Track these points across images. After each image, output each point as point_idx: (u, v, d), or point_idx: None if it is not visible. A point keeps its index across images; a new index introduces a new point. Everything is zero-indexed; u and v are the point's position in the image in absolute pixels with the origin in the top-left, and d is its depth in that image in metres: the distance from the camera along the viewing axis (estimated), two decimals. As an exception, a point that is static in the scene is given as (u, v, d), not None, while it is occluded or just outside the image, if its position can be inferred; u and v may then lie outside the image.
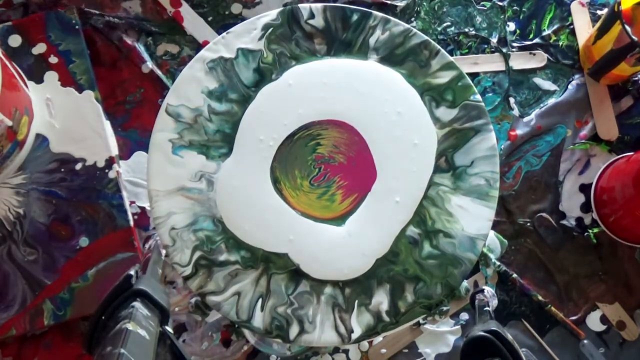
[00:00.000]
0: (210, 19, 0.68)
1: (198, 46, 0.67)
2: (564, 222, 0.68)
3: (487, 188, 0.58)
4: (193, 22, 0.67)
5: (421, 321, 0.60)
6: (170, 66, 0.67)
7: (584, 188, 0.68)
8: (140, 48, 0.67)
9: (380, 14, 0.60)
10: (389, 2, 0.67)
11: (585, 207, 0.68)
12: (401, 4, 0.67)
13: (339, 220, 0.58)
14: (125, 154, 0.65)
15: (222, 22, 0.68)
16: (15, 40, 0.64)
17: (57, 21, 0.65)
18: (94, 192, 0.62)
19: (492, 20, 0.70)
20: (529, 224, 0.67)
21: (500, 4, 0.71)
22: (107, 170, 0.62)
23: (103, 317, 0.43)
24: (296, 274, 0.56)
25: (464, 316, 0.65)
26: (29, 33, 0.64)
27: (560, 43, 0.71)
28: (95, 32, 0.67)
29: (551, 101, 0.69)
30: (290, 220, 0.57)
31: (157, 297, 0.45)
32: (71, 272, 0.60)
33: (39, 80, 0.64)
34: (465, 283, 0.60)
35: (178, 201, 0.57)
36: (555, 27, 0.71)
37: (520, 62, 0.70)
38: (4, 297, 0.59)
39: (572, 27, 0.71)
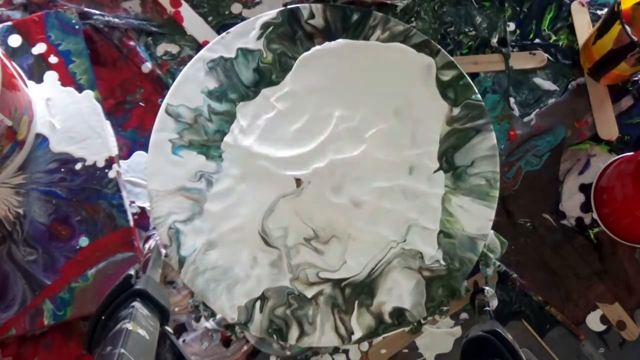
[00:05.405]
0: (210, 19, 0.68)
1: (198, 46, 0.67)
2: (564, 222, 0.68)
3: (488, 188, 0.58)
4: (193, 22, 0.67)
5: (422, 321, 0.60)
6: (170, 66, 0.67)
7: (584, 188, 0.68)
8: (140, 48, 0.67)
9: (380, 14, 0.60)
10: (389, 2, 0.67)
11: (585, 207, 0.68)
12: (401, 4, 0.67)
13: (339, 220, 0.58)
14: (125, 154, 0.65)
15: (222, 22, 0.68)
16: (15, 40, 0.64)
17: (57, 21, 0.65)
18: (94, 192, 0.62)
19: (492, 20, 0.70)
20: (529, 224, 0.67)
21: (500, 3, 0.71)
22: (107, 170, 0.62)
23: (103, 317, 0.43)
24: (296, 274, 0.56)
25: (464, 316, 0.65)
26: (29, 33, 0.64)
27: (560, 43, 0.71)
28: (95, 32, 0.67)
29: (551, 101, 0.69)
30: (290, 220, 0.57)
31: (157, 297, 0.45)
32: (71, 272, 0.60)
33: (39, 80, 0.64)
34: (465, 283, 0.60)
35: (178, 201, 0.57)
36: (555, 27, 0.71)
37: (520, 62, 0.70)
38: (4, 297, 0.59)
39: (572, 27, 0.71)
